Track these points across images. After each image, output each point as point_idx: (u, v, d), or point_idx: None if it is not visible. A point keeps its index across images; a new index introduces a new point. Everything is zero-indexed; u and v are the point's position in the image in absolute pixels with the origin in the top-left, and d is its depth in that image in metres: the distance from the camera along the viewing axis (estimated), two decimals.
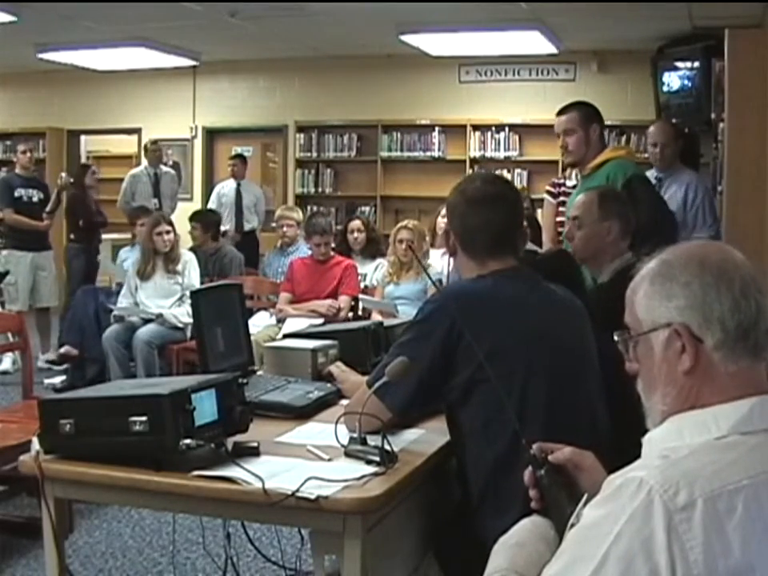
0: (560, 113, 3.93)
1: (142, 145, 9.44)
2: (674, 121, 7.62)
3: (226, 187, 8.87)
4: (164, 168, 8.76)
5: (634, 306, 1.38)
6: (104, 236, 8.41)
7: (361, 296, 6.04)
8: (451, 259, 2.49)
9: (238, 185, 8.79)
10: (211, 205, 8.68)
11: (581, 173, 3.86)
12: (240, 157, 9.02)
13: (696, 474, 1.21)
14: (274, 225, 7.14)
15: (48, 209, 7.28)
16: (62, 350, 6.59)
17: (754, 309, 1.29)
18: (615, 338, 1.42)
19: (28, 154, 7.34)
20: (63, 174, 7.64)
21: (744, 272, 1.31)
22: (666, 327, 1.32)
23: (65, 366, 6.72)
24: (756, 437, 1.27)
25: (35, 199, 7.29)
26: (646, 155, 5.41)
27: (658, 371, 1.35)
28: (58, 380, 6.56)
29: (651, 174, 5.36)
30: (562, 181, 6.35)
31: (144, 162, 8.76)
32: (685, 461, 1.24)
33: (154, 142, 8.79)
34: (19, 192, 7.22)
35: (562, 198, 5.83)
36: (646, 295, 1.36)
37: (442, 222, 6.11)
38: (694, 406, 1.31)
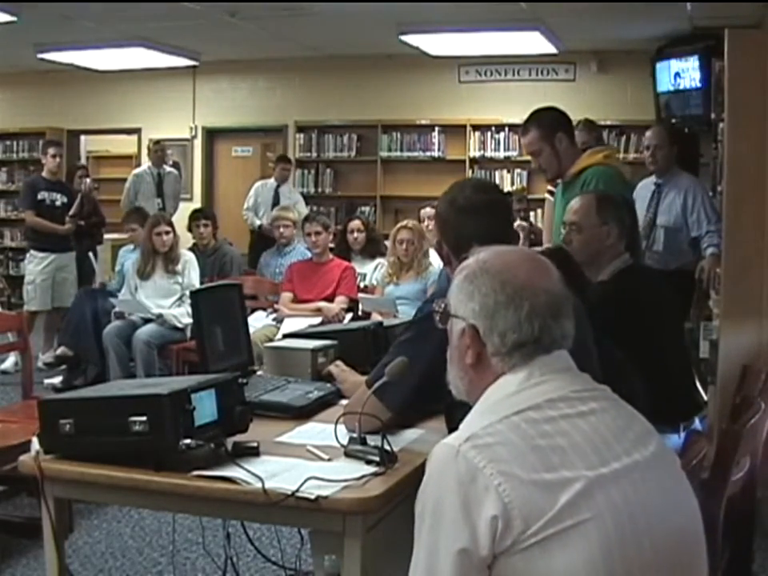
0: (522, 131, 3.77)
1: (144, 145, 9.41)
2: (673, 121, 7.64)
3: (265, 187, 8.73)
4: (167, 168, 8.75)
5: (451, 287, 1.56)
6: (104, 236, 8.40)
7: (361, 295, 6.03)
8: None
9: (278, 186, 8.69)
10: (248, 201, 8.61)
11: (562, 180, 3.82)
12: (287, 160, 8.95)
13: (474, 421, 1.40)
14: (270, 225, 7.13)
15: (71, 213, 7.30)
16: (59, 351, 6.60)
17: (536, 330, 1.45)
18: (434, 305, 1.62)
19: (57, 159, 7.32)
20: (87, 180, 7.65)
21: (541, 299, 1.45)
22: (462, 321, 1.50)
23: (63, 367, 6.72)
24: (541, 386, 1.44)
25: (58, 203, 7.29)
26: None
27: (454, 352, 1.55)
28: (57, 380, 6.55)
29: (650, 180, 5.36)
30: None
31: (146, 161, 8.72)
32: (469, 419, 1.44)
33: (157, 142, 8.79)
34: (42, 195, 7.23)
35: None
36: (457, 286, 1.53)
37: (427, 220, 6.20)
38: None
